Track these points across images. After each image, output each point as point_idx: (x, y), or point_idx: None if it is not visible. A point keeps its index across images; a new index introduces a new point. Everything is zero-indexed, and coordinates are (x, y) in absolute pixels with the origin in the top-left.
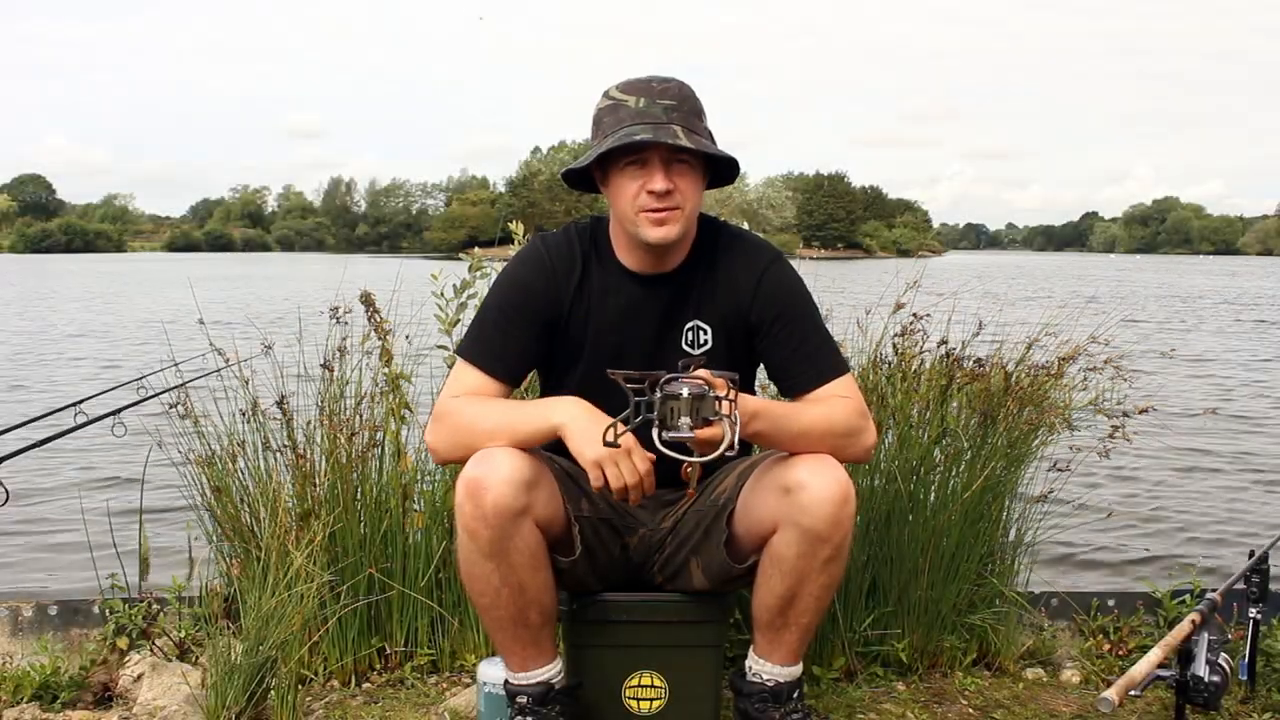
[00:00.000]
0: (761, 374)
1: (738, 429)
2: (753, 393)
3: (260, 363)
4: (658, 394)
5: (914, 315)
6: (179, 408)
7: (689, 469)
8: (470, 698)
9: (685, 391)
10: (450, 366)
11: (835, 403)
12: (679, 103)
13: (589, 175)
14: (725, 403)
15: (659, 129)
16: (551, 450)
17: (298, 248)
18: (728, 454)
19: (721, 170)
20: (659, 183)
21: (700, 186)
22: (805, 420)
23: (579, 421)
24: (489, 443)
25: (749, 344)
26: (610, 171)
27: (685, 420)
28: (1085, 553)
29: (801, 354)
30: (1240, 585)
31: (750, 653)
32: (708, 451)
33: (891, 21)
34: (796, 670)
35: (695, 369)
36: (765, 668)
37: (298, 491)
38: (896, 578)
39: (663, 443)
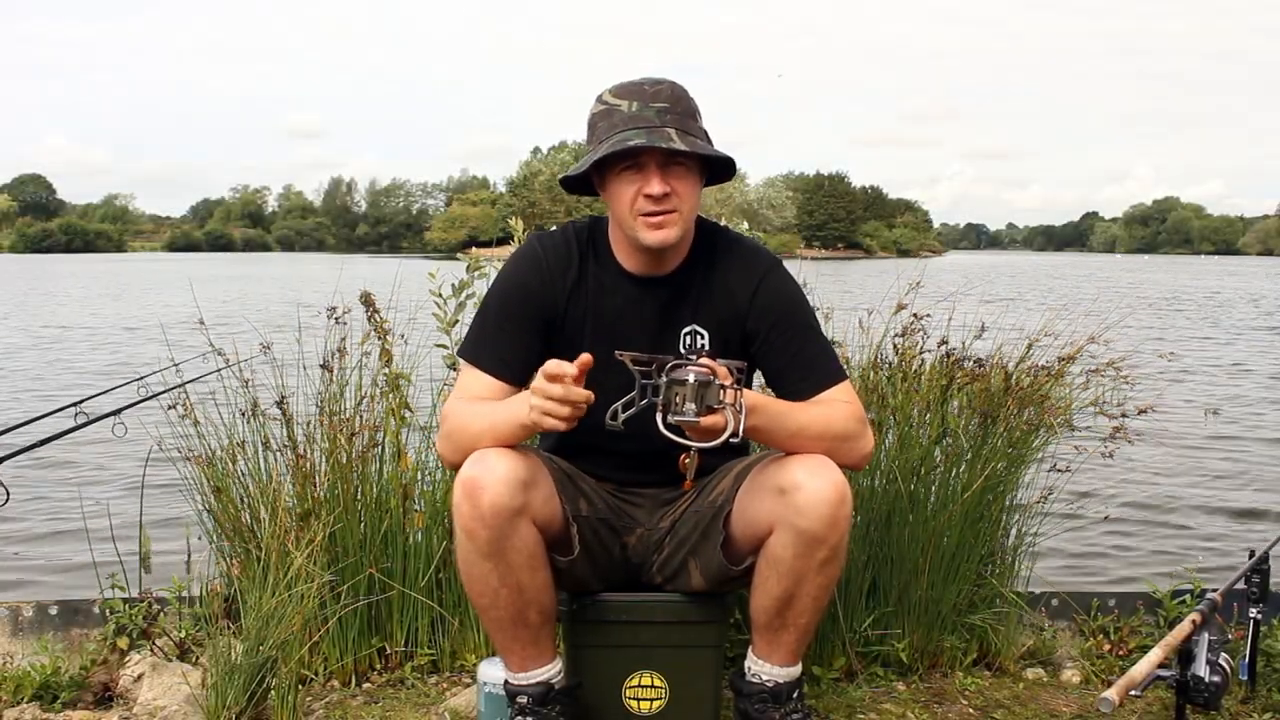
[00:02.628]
0: (759, 379)
1: (742, 418)
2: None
3: (260, 363)
4: (663, 378)
5: (914, 315)
6: (179, 408)
7: (686, 460)
8: (470, 698)
9: (691, 377)
10: (449, 366)
11: (834, 405)
12: (672, 104)
13: (587, 180)
14: (730, 391)
15: (652, 133)
16: (551, 451)
17: (298, 248)
18: (731, 440)
19: (718, 169)
20: (655, 186)
21: (697, 187)
22: (802, 419)
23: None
24: (477, 444)
25: (746, 350)
26: (607, 176)
27: (691, 406)
28: (1085, 553)
29: (800, 360)
30: (1240, 585)
31: (749, 653)
32: (709, 439)
33: (891, 21)
34: (796, 671)
35: (700, 357)
36: (764, 668)
37: (298, 491)
38: (896, 578)
39: (666, 426)
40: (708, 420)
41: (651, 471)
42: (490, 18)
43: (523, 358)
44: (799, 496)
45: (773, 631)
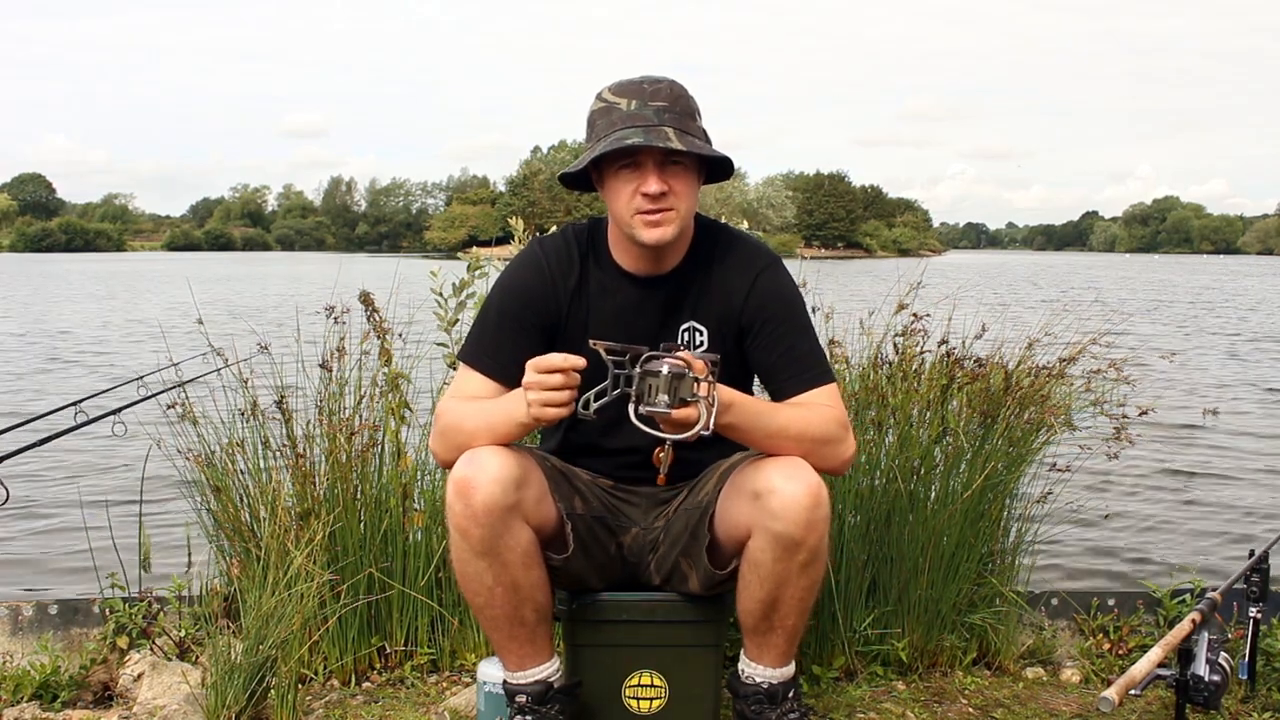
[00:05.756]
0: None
1: (714, 412)
2: (750, 392)
3: (260, 362)
4: (637, 369)
5: (914, 315)
6: (178, 408)
7: (660, 454)
8: (470, 697)
9: (665, 369)
10: (449, 365)
11: (816, 408)
12: (671, 103)
13: (586, 177)
14: (704, 384)
15: (650, 132)
16: (551, 451)
17: (298, 247)
18: (703, 433)
19: (716, 168)
20: (652, 185)
21: (695, 186)
22: (781, 420)
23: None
24: (472, 442)
25: (740, 346)
26: (605, 174)
27: (664, 398)
28: (1085, 552)
29: (789, 358)
30: (1240, 584)
31: (742, 655)
32: (681, 432)
33: (891, 21)
34: (789, 671)
35: (676, 349)
36: (758, 670)
37: (297, 491)
38: (896, 577)
39: (638, 416)
40: (680, 413)
41: (651, 469)
42: (490, 16)
43: (521, 362)
44: (773, 500)
45: (761, 634)
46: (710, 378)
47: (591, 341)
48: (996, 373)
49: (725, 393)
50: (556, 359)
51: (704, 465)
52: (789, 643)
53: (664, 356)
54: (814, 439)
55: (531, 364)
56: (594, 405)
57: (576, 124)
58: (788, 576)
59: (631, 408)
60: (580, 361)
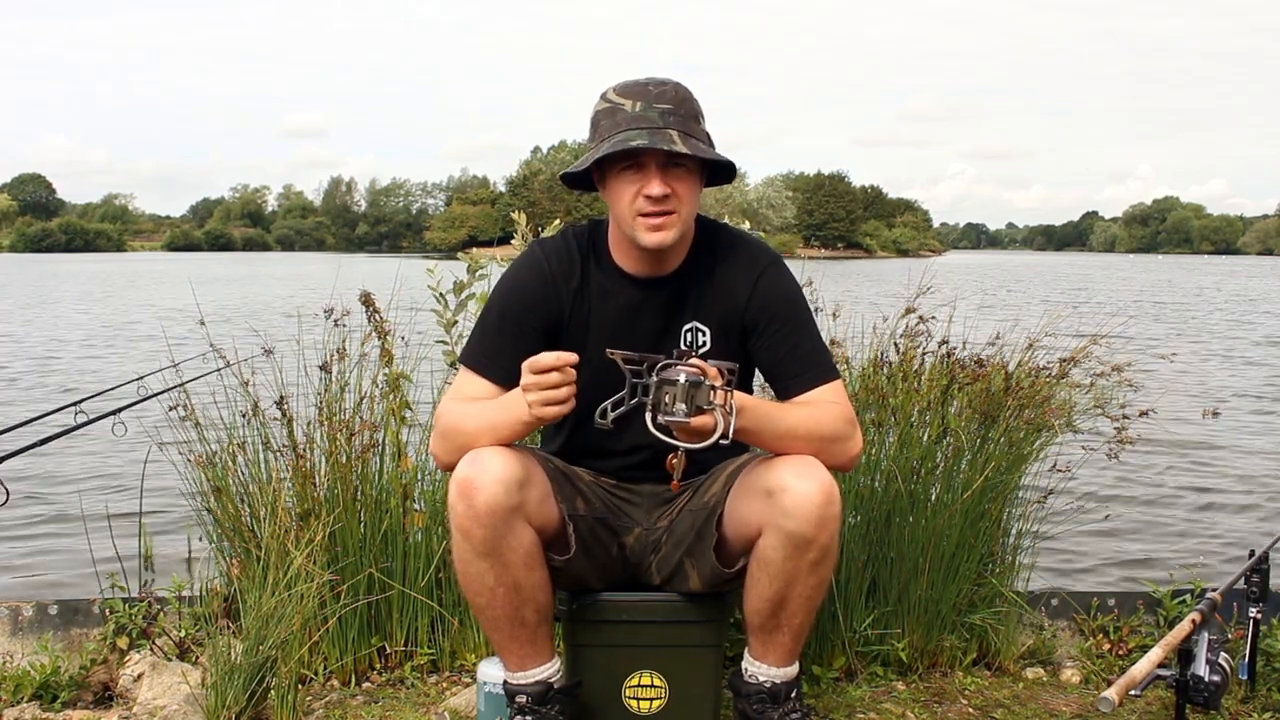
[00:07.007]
0: (759, 377)
1: (732, 420)
2: (751, 391)
3: (260, 363)
4: (654, 378)
5: (919, 318)
6: (179, 408)
7: (674, 460)
8: (470, 697)
9: (682, 378)
10: (450, 364)
11: (824, 406)
12: (675, 106)
13: (588, 177)
14: (720, 392)
15: (655, 134)
16: (553, 453)
17: (298, 247)
18: (720, 442)
19: (718, 170)
20: (655, 188)
21: (697, 189)
22: (791, 420)
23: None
24: (475, 443)
25: (744, 345)
26: (608, 175)
27: (681, 406)
28: (1085, 552)
29: (794, 356)
30: (1240, 585)
31: (745, 654)
32: (697, 440)
33: (891, 21)
34: (793, 670)
35: (690, 358)
36: (761, 669)
37: (298, 491)
38: (896, 577)
39: (656, 426)
40: (697, 421)
41: (654, 469)
42: (490, 16)
43: (521, 364)
44: (786, 499)
45: (767, 633)
46: (727, 386)
47: (608, 351)
48: (997, 374)
49: (738, 397)
50: (549, 358)
51: (710, 463)
52: (795, 641)
53: (680, 364)
54: (823, 437)
55: (526, 365)
56: (611, 415)
57: (576, 124)
58: (797, 574)
59: (649, 417)
60: (573, 357)
